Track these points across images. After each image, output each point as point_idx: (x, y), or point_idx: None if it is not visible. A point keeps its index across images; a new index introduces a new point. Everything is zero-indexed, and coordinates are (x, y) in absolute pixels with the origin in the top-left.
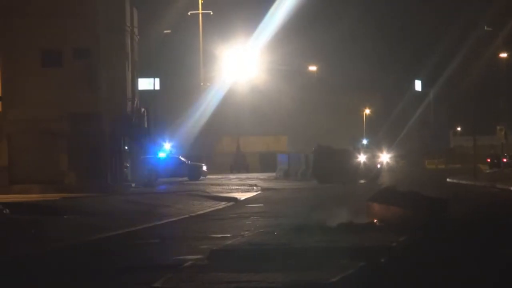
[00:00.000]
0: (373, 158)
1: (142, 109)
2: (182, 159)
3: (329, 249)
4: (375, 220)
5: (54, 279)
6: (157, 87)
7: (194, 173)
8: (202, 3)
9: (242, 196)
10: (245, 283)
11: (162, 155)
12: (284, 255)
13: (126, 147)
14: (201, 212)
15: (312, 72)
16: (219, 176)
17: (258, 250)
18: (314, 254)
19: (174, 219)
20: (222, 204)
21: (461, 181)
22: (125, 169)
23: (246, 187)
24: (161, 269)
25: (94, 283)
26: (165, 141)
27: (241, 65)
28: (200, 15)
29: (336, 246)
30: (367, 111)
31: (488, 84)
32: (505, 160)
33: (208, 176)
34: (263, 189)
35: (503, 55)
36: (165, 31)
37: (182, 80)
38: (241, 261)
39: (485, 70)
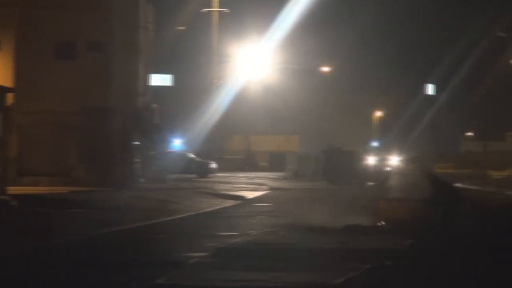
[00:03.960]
0: (383, 160)
1: (154, 105)
2: (192, 156)
3: (335, 250)
4: (382, 223)
5: (58, 273)
6: (171, 83)
7: (203, 171)
8: (217, 1)
9: (250, 195)
10: (249, 282)
11: (172, 151)
12: (289, 255)
13: (136, 143)
14: (209, 209)
15: (325, 72)
16: (228, 174)
17: (264, 250)
18: (320, 255)
19: (181, 215)
20: (230, 202)
21: (469, 186)
22: (135, 165)
23: (254, 186)
24: (166, 265)
25: (98, 277)
26: (175, 138)
27: (254, 63)
28: (215, 13)
29: (342, 247)
30: (379, 114)
31: (500, 90)
32: None
33: (217, 174)
34: (271, 189)
35: None
36: (180, 28)
37: (196, 77)
38: (247, 260)
39: (497, 76)
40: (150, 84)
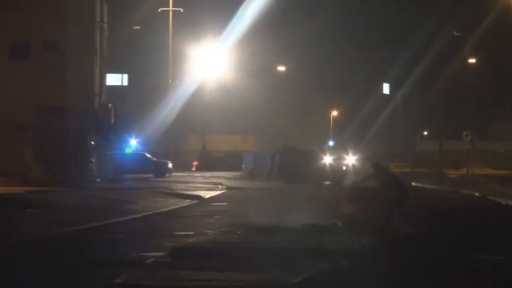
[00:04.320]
0: (339, 159)
1: (110, 105)
2: (148, 155)
3: (292, 249)
4: (339, 222)
5: (14, 273)
6: (126, 83)
7: (160, 170)
8: (172, 0)
9: (206, 194)
10: (206, 281)
11: (128, 151)
12: (246, 255)
13: (93, 142)
14: (165, 209)
15: (281, 72)
16: (185, 174)
17: (221, 249)
18: (277, 255)
19: (138, 215)
20: (186, 202)
21: (425, 185)
22: (91, 164)
23: (211, 185)
24: (123, 265)
25: (56, 277)
26: (131, 137)
27: (210, 63)
28: (171, 12)
29: (300, 247)
30: (335, 113)
31: (456, 89)
32: None
33: (173, 174)
34: (228, 188)
35: (472, 60)
36: (135, 27)
37: (151, 76)
38: (203, 260)
39: (453, 75)
40: (105, 83)
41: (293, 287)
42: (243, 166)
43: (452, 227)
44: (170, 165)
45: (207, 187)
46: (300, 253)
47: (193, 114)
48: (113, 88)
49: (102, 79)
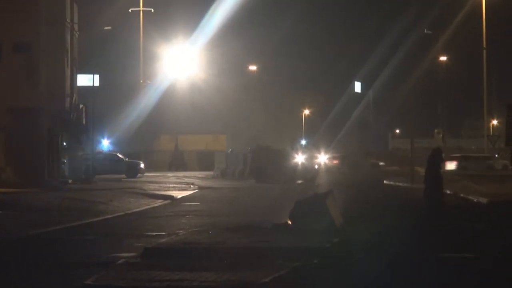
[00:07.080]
0: (311, 158)
1: (81, 105)
2: (120, 156)
3: (263, 249)
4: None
5: None
6: (97, 83)
7: (132, 171)
8: (143, 0)
9: (178, 194)
10: (177, 281)
11: (99, 152)
12: (218, 255)
13: (64, 143)
14: (137, 209)
15: (252, 71)
16: (157, 174)
17: (192, 249)
18: (248, 254)
19: (109, 216)
20: (158, 202)
21: (398, 183)
22: (63, 165)
23: (183, 185)
24: (94, 266)
25: (27, 278)
26: (103, 138)
27: (181, 63)
28: (141, 13)
29: (271, 246)
30: (307, 112)
31: (427, 87)
32: None
33: (145, 174)
34: (200, 188)
35: (443, 58)
36: (106, 28)
37: (122, 77)
38: (174, 260)
39: (424, 73)
40: (76, 84)
41: (264, 286)
42: (215, 166)
43: (424, 224)
44: (142, 165)
45: (180, 187)
46: (272, 253)
47: (165, 114)
48: (85, 88)
49: (73, 79)
